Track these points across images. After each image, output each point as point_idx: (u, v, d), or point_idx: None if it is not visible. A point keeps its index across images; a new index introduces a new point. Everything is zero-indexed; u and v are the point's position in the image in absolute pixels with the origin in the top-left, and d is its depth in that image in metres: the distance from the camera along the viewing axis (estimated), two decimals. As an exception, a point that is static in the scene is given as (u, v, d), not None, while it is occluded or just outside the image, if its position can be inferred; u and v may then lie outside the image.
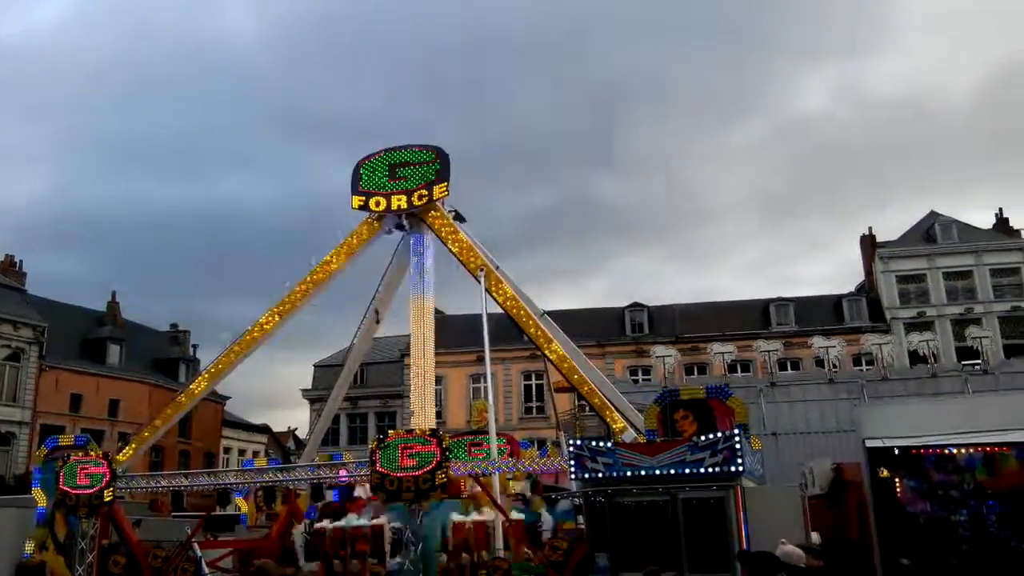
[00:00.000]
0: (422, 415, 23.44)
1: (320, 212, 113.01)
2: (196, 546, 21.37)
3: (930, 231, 50.04)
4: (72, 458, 19.88)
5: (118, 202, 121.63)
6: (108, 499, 19.33)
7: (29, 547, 19.58)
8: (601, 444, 14.37)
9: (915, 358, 37.77)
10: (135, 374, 50.48)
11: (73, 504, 19.24)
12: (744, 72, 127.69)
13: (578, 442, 14.56)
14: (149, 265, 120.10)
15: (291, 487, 23.27)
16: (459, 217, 25.16)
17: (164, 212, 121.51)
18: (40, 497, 20.98)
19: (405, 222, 25.28)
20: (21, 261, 49.43)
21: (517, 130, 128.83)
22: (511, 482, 22.74)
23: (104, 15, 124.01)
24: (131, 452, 23.08)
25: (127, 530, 21.24)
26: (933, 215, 51.22)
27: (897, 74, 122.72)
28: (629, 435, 19.61)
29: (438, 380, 52.35)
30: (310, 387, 54.64)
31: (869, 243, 52.31)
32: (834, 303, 50.71)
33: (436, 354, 54.68)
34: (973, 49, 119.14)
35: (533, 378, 49.75)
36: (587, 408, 28.95)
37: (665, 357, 36.81)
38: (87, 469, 19.51)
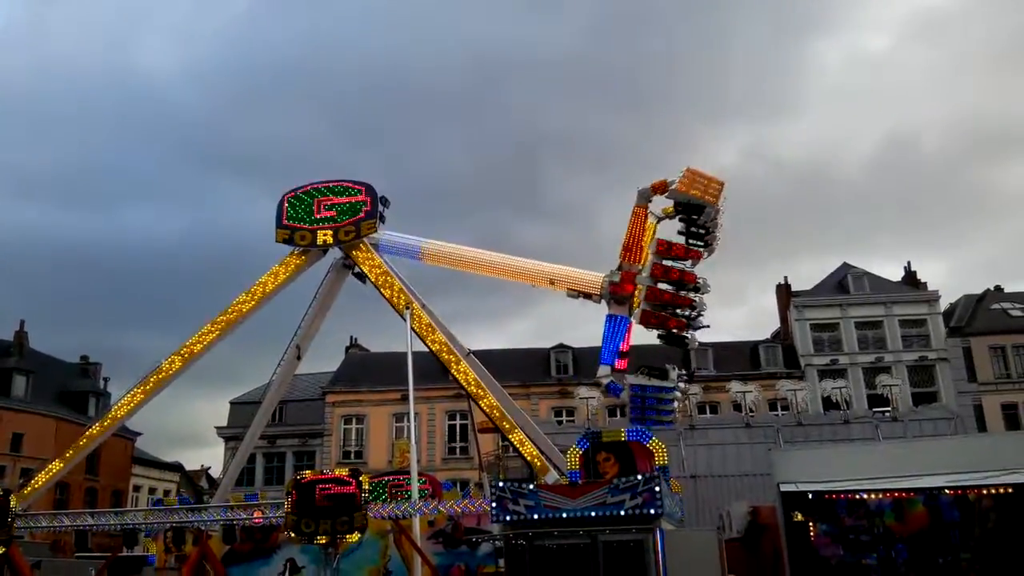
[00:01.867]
0: None
1: (238, 247, 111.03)
2: (99, 590, 20.47)
3: (843, 282, 51.94)
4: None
5: (26, 232, 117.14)
6: (5, 539, 18.33)
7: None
8: (523, 486, 14.32)
9: (828, 404, 38.83)
10: (41, 407, 48.30)
11: (-34, 545, 18.22)
12: (659, 130, 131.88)
13: (500, 484, 14.49)
14: (59, 297, 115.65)
15: (203, 528, 22.53)
16: (384, 202, 24.97)
17: (75, 244, 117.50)
18: (-69, 537, 19.81)
19: (351, 264, 24.97)
20: (-79, 287, 47.19)
21: (436, 175, 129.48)
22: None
23: (15, 45, 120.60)
24: (33, 489, 22.04)
25: (25, 572, 20.19)
26: (846, 267, 53.22)
27: (802, 138, 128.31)
28: (552, 476, 19.66)
29: (360, 419, 51.73)
30: (226, 424, 53.07)
31: (784, 292, 53.98)
32: (751, 349, 51.96)
33: (359, 391, 54.19)
34: (869, 117, 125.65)
35: (457, 418, 49.39)
36: (511, 449, 28.92)
37: (589, 399, 37.00)
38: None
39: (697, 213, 19.79)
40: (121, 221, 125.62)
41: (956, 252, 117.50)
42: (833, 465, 13.27)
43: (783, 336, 53.22)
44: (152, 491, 57.61)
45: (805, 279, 73.98)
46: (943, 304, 51.17)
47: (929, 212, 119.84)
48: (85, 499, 47.39)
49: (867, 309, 50.42)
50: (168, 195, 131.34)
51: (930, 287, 52.06)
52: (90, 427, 24.12)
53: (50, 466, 23.10)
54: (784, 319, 53.70)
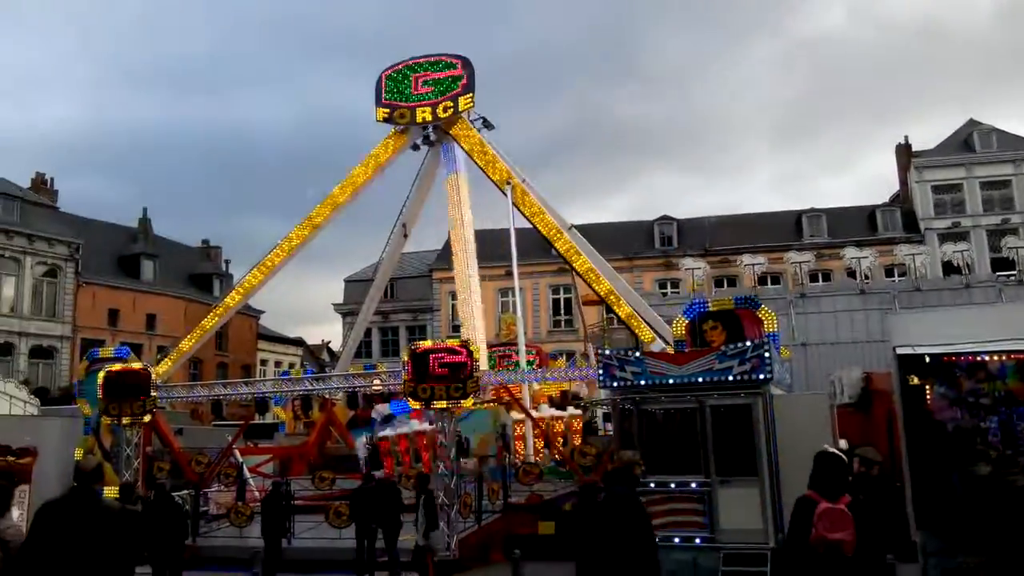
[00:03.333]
0: (470, 327, 23.40)
1: (344, 129, 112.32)
2: (237, 452, 22.09)
3: (968, 140, 48.67)
4: (113, 370, 20.37)
5: (143, 123, 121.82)
6: (150, 408, 19.85)
7: (78, 454, 20.30)
8: (630, 353, 14.44)
9: (948, 269, 37.35)
10: (170, 289, 51.33)
11: (116, 413, 19.79)
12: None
13: (607, 351, 14.66)
14: (176, 185, 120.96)
15: (327, 396, 23.87)
16: (487, 125, 24.73)
17: (189, 134, 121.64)
18: (85, 407, 21.66)
19: (432, 135, 24.97)
20: (52, 179, 49.81)
21: (529, 48, 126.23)
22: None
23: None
24: (170, 364, 23.69)
25: (169, 438, 21.97)
26: (972, 123, 49.69)
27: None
28: (657, 346, 19.77)
29: (466, 294, 52.97)
30: (342, 302, 55.35)
31: (904, 153, 51.07)
32: (868, 214, 49.93)
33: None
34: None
35: (561, 292, 49.94)
36: (615, 321, 29.10)
37: (694, 270, 36.71)
38: (128, 380, 19.97)
39: None
40: (232, 110, 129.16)
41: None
42: (952, 328, 12.77)
43: (902, 199, 50.81)
44: (277, 365, 61.15)
45: (923, 142, 69.77)
46: (1080, 160, 47.54)
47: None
48: (217, 373, 50.83)
49: (994, 168, 47.34)
50: (277, 82, 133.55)
51: (1066, 142, 48.34)
52: (217, 305, 25.55)
53: (183, 342, 24.71)
54: (904, 181, 51.11)
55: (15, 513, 6.71)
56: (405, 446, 22.16)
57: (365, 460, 22.48)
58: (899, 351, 12.45)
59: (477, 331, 23.15)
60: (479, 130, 24.56)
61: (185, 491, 18.07)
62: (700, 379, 13.30)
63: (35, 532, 5.60)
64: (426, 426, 20.62)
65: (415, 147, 25.58)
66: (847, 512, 5.26)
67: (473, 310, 23.78)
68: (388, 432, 22.63)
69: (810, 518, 5.20)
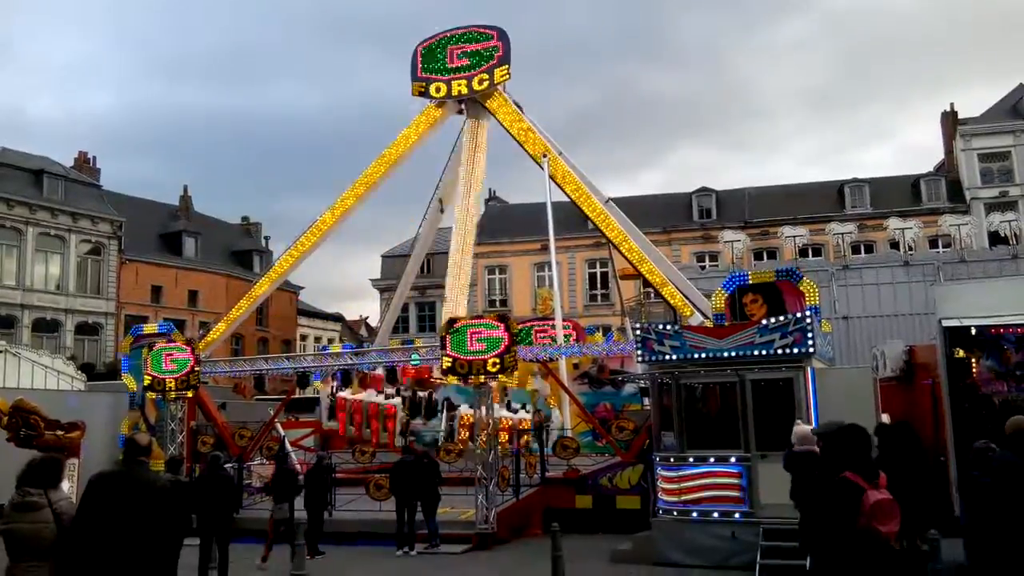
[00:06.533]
0: (453, 303, 23.74)
1: (376, 111, 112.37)
2: (279, 426, 22.39)
3: (1017, 106, 47.22)
4: (157, 345, 20.71)
5: (184, 109, 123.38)
6: (194, 383, 20.16)
7: (123, 429, 20.74)
8: (668, 327, 14.32)
9: (995, 239, 36.47)
10: (211, 266, 52.00)
11: (161, 388, 20.13)
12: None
13: (645, 325, 14.55)
14: (215, 166, 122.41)
15: (366, 371, 24.06)
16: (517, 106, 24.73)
17: (227, 118, 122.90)
18: (130, 383, 22.06)
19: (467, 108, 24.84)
20: (95, 158, 50.50)
21: (557, 26, 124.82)
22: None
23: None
24: (213, 339, 24.02)
25: (213, 412, 22.30)
26: (1021, 88, 48.19)
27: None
28: (696, 320, 19.59)
29: (502, 269, 52.92)
30: (379, 277, 55.67)
31: (950, 121, 49.73)
32: (911, 183, 48.85)
33: (500, 243, 55.07)
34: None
35: (598, 266, 49.69)
36: (653, 295, 28.89)
37: (734, 242, 36.28)
38: (172, 356, 20.29)
39: None
40: (268, 96, 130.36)
41: None
42: (1000, 299, 12.47)
43: (947, 168, 49.62)
44: (317, 340, 61.84)
45: (969, 110, 67.80)
46: None
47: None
48: (258, 348, 51.52)
49: (1045, 134, 45.98)
50: (308, 68, 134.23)
51: (1120, 106, 46.70)
52: (258, 281, 25.87)
53: (225, 318, 25.07)
54: (949, 150, 49.85)
55: (65, 486, 6.86)
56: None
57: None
58: (945, 323, 12.20)
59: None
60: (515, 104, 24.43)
61: (228, 464, 18.35)
62: (741, 353, 13.16)
63: (88, 503, 5.72)
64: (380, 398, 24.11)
65: (461, 112, 25.44)
66: (895, 502, 5.14)
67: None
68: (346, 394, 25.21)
69: (857, 506, 5.06)
